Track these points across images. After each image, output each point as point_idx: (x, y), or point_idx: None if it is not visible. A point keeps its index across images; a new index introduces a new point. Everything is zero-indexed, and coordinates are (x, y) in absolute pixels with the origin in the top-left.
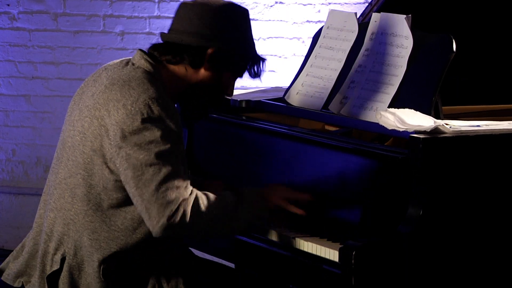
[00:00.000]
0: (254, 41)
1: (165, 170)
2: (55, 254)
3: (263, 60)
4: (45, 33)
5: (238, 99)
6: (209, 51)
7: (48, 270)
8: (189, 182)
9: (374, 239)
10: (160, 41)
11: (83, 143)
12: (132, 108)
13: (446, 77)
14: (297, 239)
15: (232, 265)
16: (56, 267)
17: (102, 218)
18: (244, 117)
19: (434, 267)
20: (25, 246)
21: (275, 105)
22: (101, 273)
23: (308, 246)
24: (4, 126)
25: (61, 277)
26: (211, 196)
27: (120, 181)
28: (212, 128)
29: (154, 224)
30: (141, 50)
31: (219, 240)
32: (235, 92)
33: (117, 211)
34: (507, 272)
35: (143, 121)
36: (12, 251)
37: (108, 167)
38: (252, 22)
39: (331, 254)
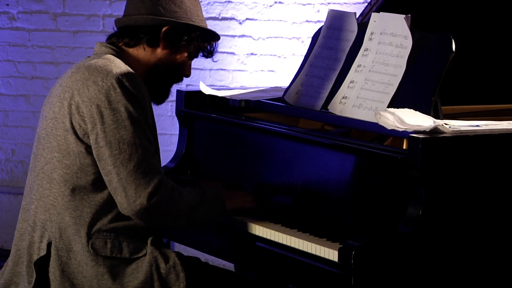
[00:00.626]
0: (205, 20)
1: (141, 150)
2: (41, 242)
3: (217, 37)
4: (44, 33)
5: (238, 99)
6: (164, 28)
7: (35, 259)
8: (160, 163)
9: (374, 239)
10: (115, 30)
11: (55, 126)
12: (104, 84)
13: (445, 77)
14: (297, 239)
15: (231, 265)
16: (42, 253)
17: (81, 196)
18: (243, 117)
19: (434, 267)
20: (9, 257)
21: (275, 105)
22: (90, 246)
23: (307, 246)
24: (3, 126)
25: (50, 262)
26: (182, 189)
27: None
28: (212, 128)
29: (130, 202)
30: (100, 42)
31: (217, 240)
32: (235, 92)
33: (95, 187)
34: (507, 272)
35: (117, 96)
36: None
37: (83, 143)
38: (251, 22)
39: (331, 254)
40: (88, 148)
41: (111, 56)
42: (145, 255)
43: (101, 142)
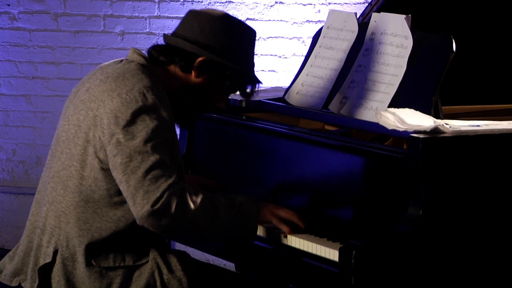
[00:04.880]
0: (254, 62)
1: (153, 159)
2: (47, 247)
3: (258, 82)
4: (45, 33)
5: (239, 99)
6: (199, 59)
7: (40, 263)
8: (177, 173)
9: (374, 239)
10: (162, 42)
11: (77, 135)
12: (127, 97)
13: (445, 77)
14: (297, 238)
15: (231, 265)
16: (48, 259)
17: (94, 209)
18: (244, 117)
19: (434, 267)
20: (20, 245)
21: (275, 105)
22: (92, 258)
23: (308, 245)
24: (4, 126)
25: (54, 269)
26: (203, 194)
27: (110, 170)
28: (212, 128)
29: (138, 210)
30: (134, 48)
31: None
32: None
33: (108, 202)
34: (507, 272)
35: (137, 109)
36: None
37: (97, 157)
38: (252, 22)
39: (331, 253)
40: (101, 164)
41: (141, 68)
42: (147, 261)
43: (114, 151)
